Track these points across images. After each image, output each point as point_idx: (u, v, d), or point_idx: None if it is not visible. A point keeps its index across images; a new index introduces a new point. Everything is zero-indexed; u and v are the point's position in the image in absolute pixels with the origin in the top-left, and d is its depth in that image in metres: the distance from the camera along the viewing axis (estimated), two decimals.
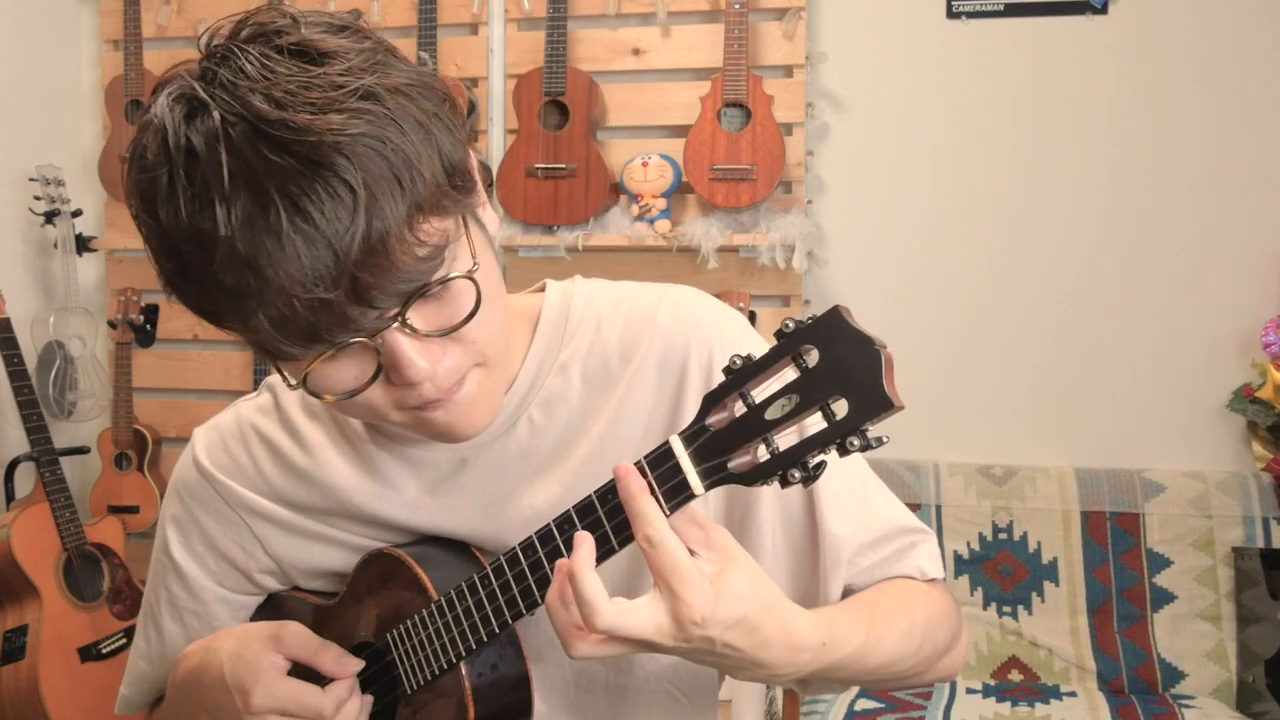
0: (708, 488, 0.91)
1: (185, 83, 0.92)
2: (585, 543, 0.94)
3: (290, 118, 0.87)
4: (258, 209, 0.87)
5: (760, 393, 0.88)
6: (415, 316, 0.95)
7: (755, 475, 0.89)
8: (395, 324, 0.94)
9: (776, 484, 0.89)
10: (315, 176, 0.87)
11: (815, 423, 0.85)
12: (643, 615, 0.92)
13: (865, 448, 0.84)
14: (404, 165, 0.90)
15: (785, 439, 0.88)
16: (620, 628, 0.91)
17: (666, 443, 0.92)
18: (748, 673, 0.98)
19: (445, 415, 1.02)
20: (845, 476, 1.17)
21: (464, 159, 0.97)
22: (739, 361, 0.89)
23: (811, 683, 1.10)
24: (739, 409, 0.89)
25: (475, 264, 0.98)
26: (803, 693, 1.16)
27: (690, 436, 0.91)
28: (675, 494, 0.92)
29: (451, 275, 0.96)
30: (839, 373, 0.83)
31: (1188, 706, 2.89)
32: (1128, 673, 3.05)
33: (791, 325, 0.85)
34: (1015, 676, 3.12)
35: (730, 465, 0.90)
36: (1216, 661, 3.02)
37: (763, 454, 0.88)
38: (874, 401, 0.82)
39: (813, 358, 0.84)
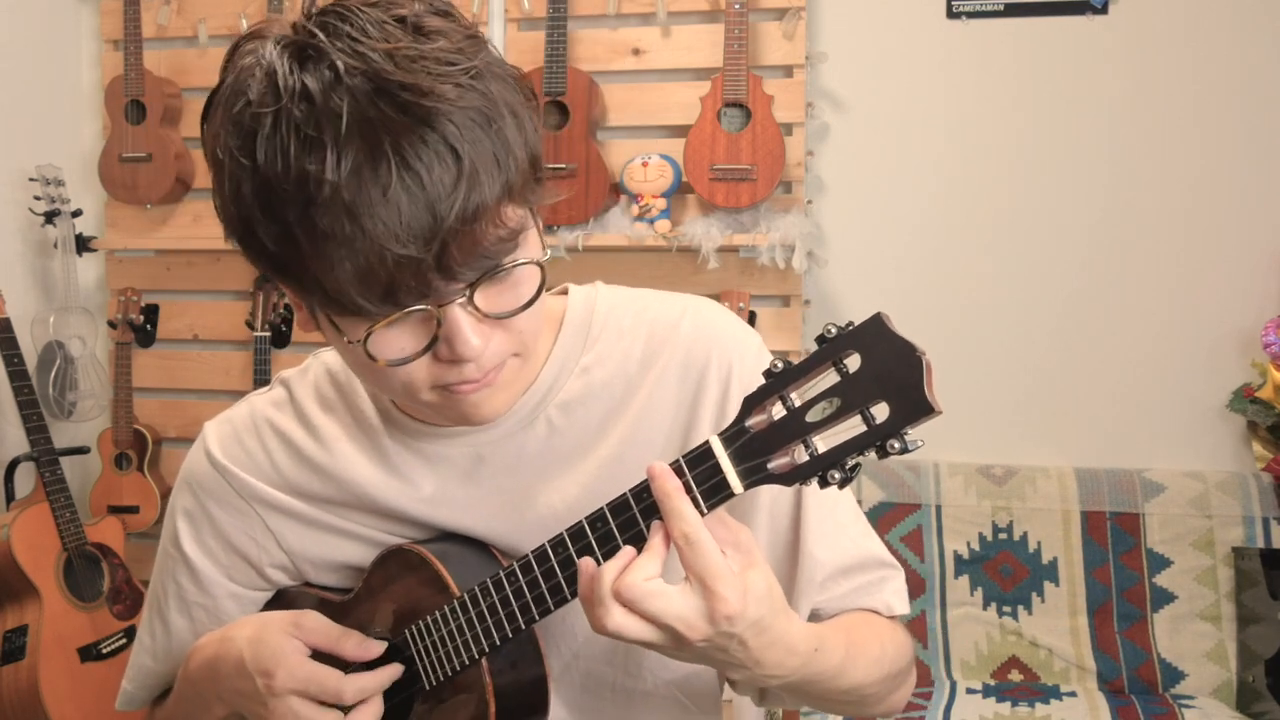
0: (747, 487, 0.93)
1: (296, 34, 0.94)
2: (659, 532, 0.96)
3: (410, 79, 0.90)
4: (368, 159, 0.89)
5: (800, 396, 0.89)
6: (479, 297, 0.97)
7: (795, 476, 0.90)
8: (462, 299, 0.96)
9: (815, 483, 0.90)
10: (427, 138, 0.89)
11: (855, 426, 0.86)
12: (672, 601, 0.93)
13: (904, 451, 0.85)
14: (503, 147, 0.93)
15: (825, 441, 0.89)
16: (641, 599, 0.93)
17: (706, 442, 0.94)
18: (742, 671, 1.00)
19: (475, 396, 1.04)
20: (832, 503, 1.20)
21: (541, 153, 1.01)
22: (779, 365, 0.90)
23: (776, 694, 1.12)
24: (778, 411, 0.90)
25: (547, 253, 1.03)
26: (758, 703, 1.19)
27: (730, 437, 0.93)
28: (714, 493, 0.94)
29: (524, 261, 0.99)
30: (880, 378, 0.85)
31: (1188, 706, 2.90)
32: (1128, 673, 3.06)
33: (834, 330, 0.87)
34: (1015, 676, 3.12)
35: (770, 466, 0.91)
36: (1216, 661, 3.03)
37: (802, 455, 0.90)
38: (915, 406, 0.84)
39: (854, 363, 0.86)
